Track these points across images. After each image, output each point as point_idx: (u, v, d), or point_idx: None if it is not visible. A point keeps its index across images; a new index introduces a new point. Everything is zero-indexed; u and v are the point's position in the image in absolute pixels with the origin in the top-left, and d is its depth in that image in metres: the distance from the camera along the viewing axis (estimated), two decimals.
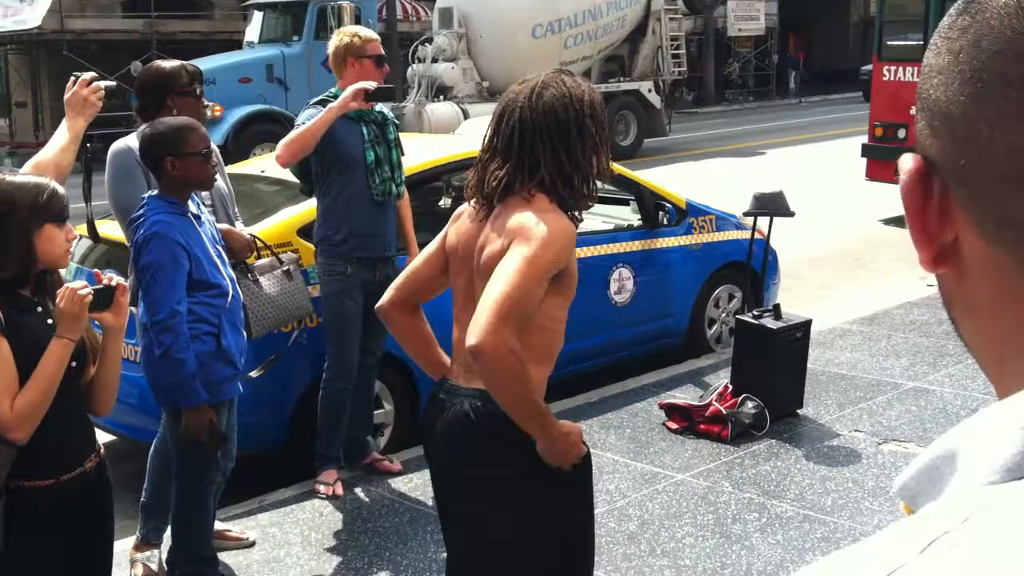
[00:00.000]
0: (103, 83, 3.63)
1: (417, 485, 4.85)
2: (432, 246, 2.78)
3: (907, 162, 0.65)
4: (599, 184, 2.61)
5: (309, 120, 4.58)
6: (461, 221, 2.69)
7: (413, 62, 18.16)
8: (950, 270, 0.63)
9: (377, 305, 2.87)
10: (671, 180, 7.75)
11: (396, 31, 24.80)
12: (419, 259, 2.80)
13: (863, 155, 12.30)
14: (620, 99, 19.24)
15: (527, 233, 2.40)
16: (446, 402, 2.59)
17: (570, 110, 2.50)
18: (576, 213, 2.57)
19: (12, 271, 2.70)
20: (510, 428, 2.43)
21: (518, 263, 2.35)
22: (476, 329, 2.30)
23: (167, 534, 4.07)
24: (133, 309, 3.30)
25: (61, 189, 2.80)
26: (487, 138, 2.60)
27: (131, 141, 4.15)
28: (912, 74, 11.69)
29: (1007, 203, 0.58)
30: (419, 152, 5.75)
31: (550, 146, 2.48)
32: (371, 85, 4.55)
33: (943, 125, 0.61)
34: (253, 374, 4.52)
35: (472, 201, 2.62)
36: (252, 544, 4.39)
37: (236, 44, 28.55)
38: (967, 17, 0.61)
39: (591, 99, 2.55)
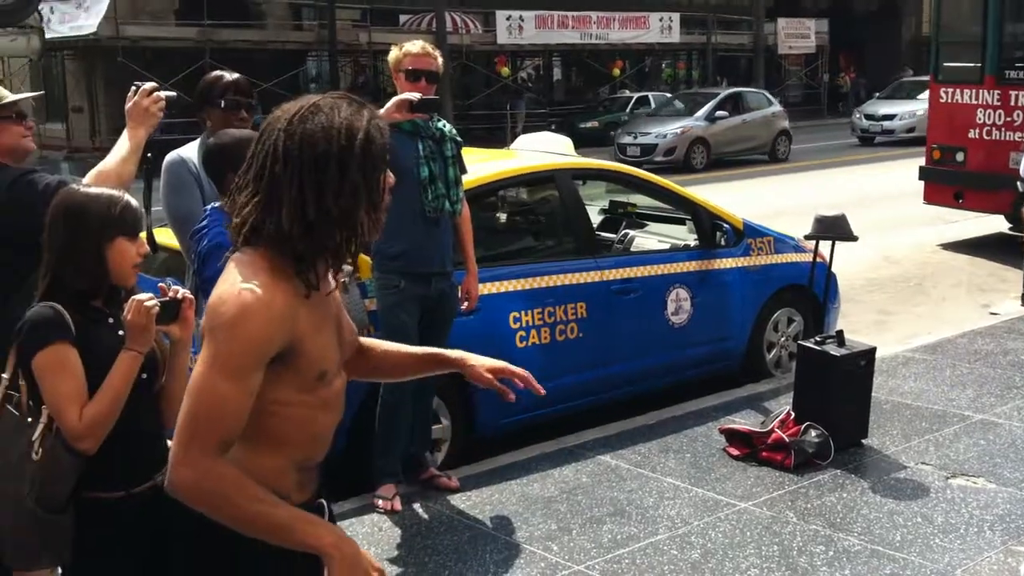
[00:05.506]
0: (164, 93, 3.58)
1: (476, 503, 4.78)
2: None
3: None
4: (358, 242, 2.02)
5: None
6: None
7: None
8: None
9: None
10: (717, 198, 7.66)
11: (446, 43, 24.95)
12: None
13: (920, 178, 12.12)
14: None
15: (212, 322, 1.94)
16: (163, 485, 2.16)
17: (334, 144, 1.94)
18: (314, 275, 1.99)
19: (84, 283, 2.68)
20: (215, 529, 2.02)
21: (201, 369, 1.93)
22: (169, 460, 1.95)
23: None
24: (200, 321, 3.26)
25: (135, 202, 2.78)
26: (246, 161, 2.07)
27: (184, 152, 4.15)
28: (969, 96, 11.51)
29: None
30: (473, 167, 5.70)
31: (297, 182, 1.93)
32: (414, 96, 4.53)
33: None
34: None
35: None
36: None
37: (288, 54, 28.98)
38: None
39: (367, 137, 1.96)
